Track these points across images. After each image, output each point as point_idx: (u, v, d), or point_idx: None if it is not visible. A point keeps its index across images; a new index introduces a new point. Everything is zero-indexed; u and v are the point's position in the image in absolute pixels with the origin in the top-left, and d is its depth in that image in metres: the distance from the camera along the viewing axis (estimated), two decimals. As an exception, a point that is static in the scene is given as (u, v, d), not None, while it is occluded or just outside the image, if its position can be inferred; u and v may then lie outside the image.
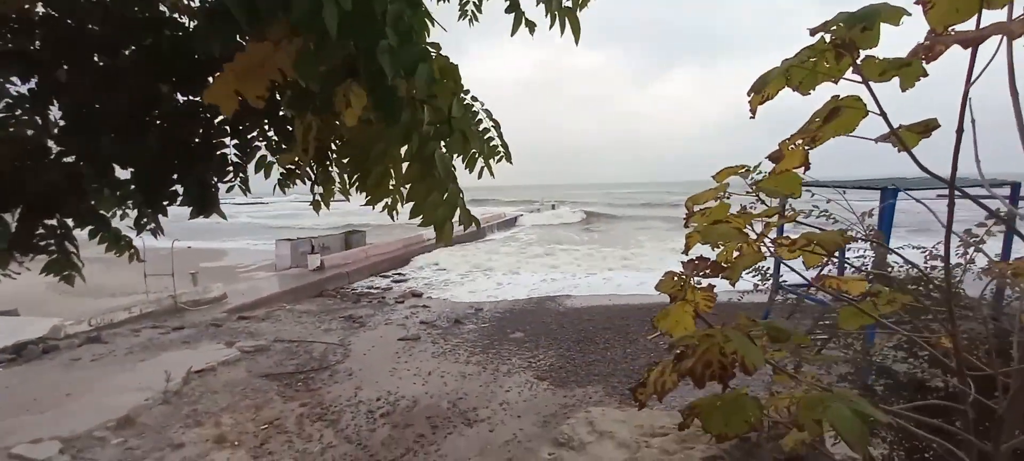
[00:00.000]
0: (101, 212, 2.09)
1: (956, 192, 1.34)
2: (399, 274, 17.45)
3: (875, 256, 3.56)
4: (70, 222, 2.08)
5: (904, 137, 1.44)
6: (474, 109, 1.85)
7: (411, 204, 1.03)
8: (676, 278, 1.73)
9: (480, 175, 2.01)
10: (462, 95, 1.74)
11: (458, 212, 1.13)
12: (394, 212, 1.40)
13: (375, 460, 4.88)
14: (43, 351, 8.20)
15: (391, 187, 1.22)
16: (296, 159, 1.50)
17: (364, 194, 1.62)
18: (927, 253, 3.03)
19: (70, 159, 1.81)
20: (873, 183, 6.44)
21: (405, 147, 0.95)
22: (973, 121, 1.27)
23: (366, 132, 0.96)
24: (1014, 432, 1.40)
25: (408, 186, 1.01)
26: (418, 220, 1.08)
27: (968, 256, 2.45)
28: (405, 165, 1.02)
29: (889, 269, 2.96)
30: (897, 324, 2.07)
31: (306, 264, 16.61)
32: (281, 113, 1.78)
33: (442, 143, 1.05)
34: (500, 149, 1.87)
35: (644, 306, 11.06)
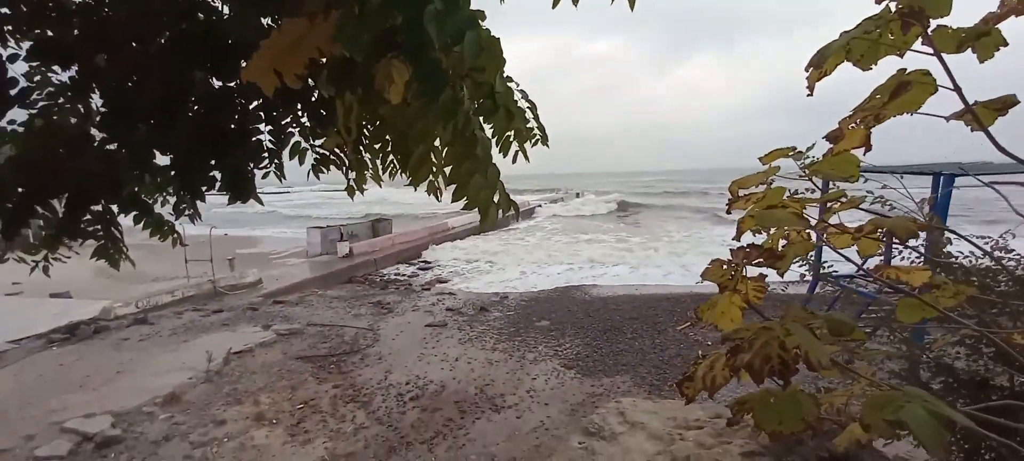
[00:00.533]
0: (143, 198, 2.15)
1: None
2: (425, 262, 17.67)
3: (930, 243, 3.33)
4: (115, 208, 2.14)
5: (980, 115, 1.28)
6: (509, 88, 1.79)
7: (452, 188, 0.98)
8: (725, 266, 1.63)
9: (515, 159, 1.95)
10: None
11: (498, 196, 1.08)
12: (438, 193, 1.36)
13: (406, 442, 4.97)
14: (94, 331, 8.68)
15: (433, 169, 1.17)
16: (339, 143, 1.47)
17: (402, 177, 1.59)
18: (993, 244, 2.79)
19: (110, 146, 1.84)
20: (925, 168, 6.05)
21: (447, 125, 0.89)
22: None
23: (404, 111, 0.91)
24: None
25: (449, 168, 0.96)
26: (461, 203, 1.03)
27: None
28: (446, 146, 0.98)
29: (953, 260, 2.75)
30: (962, 322, 1.91)
31: (336, 251, 17.01)
32: (314, 98, 1.76)
33: (482, 121, 0.99)
34: (536, 132, 1.80)
35: (672, 297, 10.84)
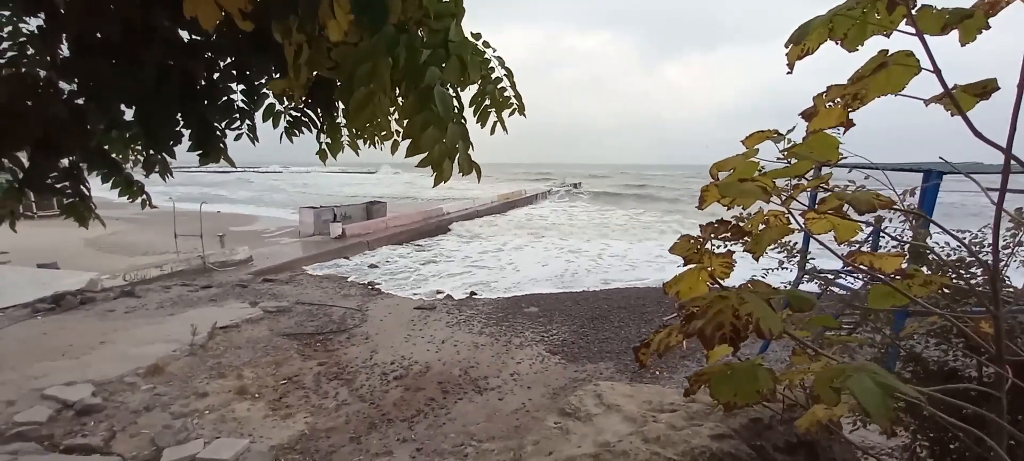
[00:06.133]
0: (112, 156, 2.11)
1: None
2: (417, 245, 17.64)
3: (914, 235, 3.34)
4: (83, 166, 2.10)
5: (959, 99, 1.27)
6: (486, 56, 1.76)
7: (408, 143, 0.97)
8: (692, 241, 1.62)
9: (493, 130, 1.93)
10: (474, 39, 1.65)
11: (458, 156, 1.06)
12: (378, 143, 1.33)
13: (387, 419, 4.99)
14: (80, 302, 8.63)
15: (378, 122, 1.15)
16: (285, 89, 1.44)
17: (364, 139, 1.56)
18: (972, 235, 2.81)
19: (79, 101, 1.80)
20: (915, 166, 6.06)
21: (396, 70, 0.87)
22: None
23: (352, 53, 0.89)
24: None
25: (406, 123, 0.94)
26: (416, 159, 1.02)
27: (1016, 237, 2.26)
28: (402, 101, 0.96)
29: (929, 252, 2.76)
30: (933, 309, 1.92)
31: (328, 231, 16.96)
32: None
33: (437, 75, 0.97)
34: (513, 101, 1.77)
35: (660, 288, 10.89)
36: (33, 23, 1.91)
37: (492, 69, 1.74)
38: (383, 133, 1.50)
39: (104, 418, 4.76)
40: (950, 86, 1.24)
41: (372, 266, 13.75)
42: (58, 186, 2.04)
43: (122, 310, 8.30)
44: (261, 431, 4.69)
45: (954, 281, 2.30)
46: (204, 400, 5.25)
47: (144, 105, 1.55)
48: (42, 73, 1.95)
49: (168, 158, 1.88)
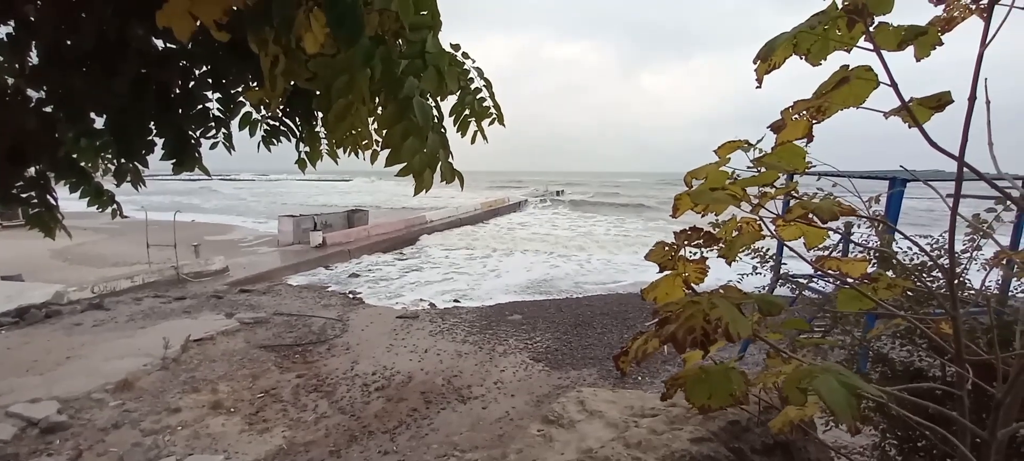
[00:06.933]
0: (81, 165, 2.05)
1: (969, 173, 1.25)
2: (400, 253, 17.49)
3: (880, 241, 3.48)
4: (51, 175, 2.04)
5: (915, 111, 1.35)
6: (465, 66, 1.78)
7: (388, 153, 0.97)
8: (667, 248, 1.67)
9: (474, 140, 1.95)
10: (453, 50, 1.67)
11: (440, 164, 1.07)
12: (358, 152, 1.34)
13: (368, 431, 4.91)
14: (46, 315, 8.29)
15: (358, 132, 1.15)
16: (261, 98, 1.43)
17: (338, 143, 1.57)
18: (933, 240, 2.94)
19: (47, 109, 1.75)
20: (880, 173, 6.31)
21: (373, 82, 0.88)
22: (987, 103, 1.17)
23: (330, 64, 0.90)
24: (1011, 420, 1.34)
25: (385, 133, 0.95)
26: (396, 168, 1.03)
27: (975, 242, 2.37)
28: (381, 111, 0.97)
29: (892, 255, 2.88)
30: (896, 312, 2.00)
31: (308, 240, 16.68)
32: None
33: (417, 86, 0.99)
34: (492, 110, 1.80)
35: (644, 293, 11.02)
36: (2, 31, 1.87)
37: (471, 80, 1.77)
38: (364, 142, 1.50)
39: (70, 436, 4.57)
40: (908, 98, 1.31)
41: (353, 275, 13.56)
42: (23, 196, 1.98)
43: (90, 323, 7.99)
44: (237, 447, 4.56)
45: (917, 284, 2.40)
46: (177, 416, 5.09)
47: (117, 115, 1.52)
48: (10, 80, 1.89)
49: (140, 167, 1.83)
